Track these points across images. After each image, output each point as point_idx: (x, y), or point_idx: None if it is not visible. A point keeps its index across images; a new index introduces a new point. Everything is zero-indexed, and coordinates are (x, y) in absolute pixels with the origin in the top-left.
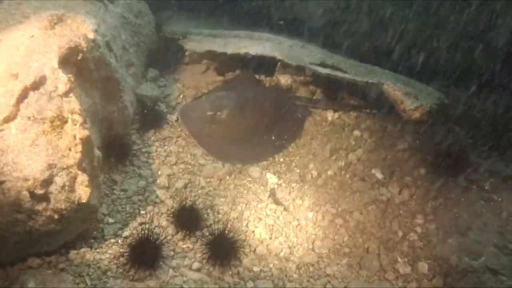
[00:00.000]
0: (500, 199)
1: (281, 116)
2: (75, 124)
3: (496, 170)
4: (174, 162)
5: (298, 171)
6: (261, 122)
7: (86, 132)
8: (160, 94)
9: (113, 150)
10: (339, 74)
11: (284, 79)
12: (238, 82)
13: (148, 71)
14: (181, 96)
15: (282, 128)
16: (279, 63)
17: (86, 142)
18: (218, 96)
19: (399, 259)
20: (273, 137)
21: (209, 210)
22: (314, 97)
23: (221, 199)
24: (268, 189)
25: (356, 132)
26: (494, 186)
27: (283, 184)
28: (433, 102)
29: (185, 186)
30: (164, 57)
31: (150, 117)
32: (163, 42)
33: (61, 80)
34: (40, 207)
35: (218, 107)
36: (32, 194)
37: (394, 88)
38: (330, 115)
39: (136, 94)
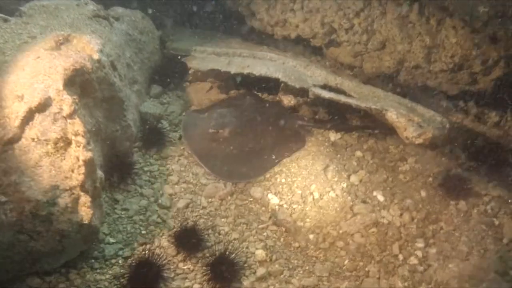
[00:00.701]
0: (501, 224)
1: (283, 135)
2: (78, 146)
3: (496, 195)
4: (176, 181)
5: (300, 192)
6: (263, 140)
7: (89, 154)
8: (163, 112)
9: (115, 169)
10: (342, 98)
11: (287, 100)
12: (241, 99)
13: (151, 88)
14: (183, 114)
15: (283, 147)
16: (282, 84)
17: (89, 164)
18: (220, 114)
19: (399, 284)
20: (274, 156)
21: (210, 231)
22: (317, 117)
23: (222, 220)
24: (270, 210)
25: (358, 153)
26: (495, 211)
27: (285, 205)
28: (436, 127)
29: (187, 206)
30: (168, 74)
31: (153, 135)
32: (167, 58)
33: (66, 102)
34: (42, 228)
35: (220, 124)
36: (34, 215)
37: (398, 115)
38: (332, 135)
39: (139, 112)
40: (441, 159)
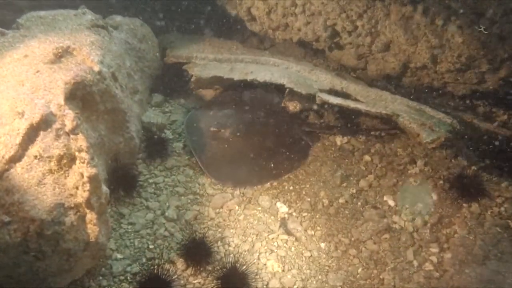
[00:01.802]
0: None
1: (286, 144)
2: (82, 162)
3: (510, 196)
4: (182, 193)
5: (309, 199)
6: (266, 145)
7: (94, 170)
8: (165, 121)
9: (119, 182)
10: (351, 104)
11: (293, 106)
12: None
13: (152, 97)
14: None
15: (287, 152)
16: (287, 90)
17: (93, 180)
18: (225, 114)
19: None
20: (273, 164)
21: (219, 243)
22: (322, 121)
23: (231, 231)
24: (279, 219)
25: (366, 157)
26: (509, 212)
27: (294, 214)
28: (446, 130)
29: (195, 218)
30: (169, 82)
31: (157, 145)
32: (168, 66)
33: (68, 117)
34: (48, 248)
35: (223, 124)
36: (39, 235)
37: (410, 120)
38: (339, 139)
39: (141, 122)
40: (451, 161)
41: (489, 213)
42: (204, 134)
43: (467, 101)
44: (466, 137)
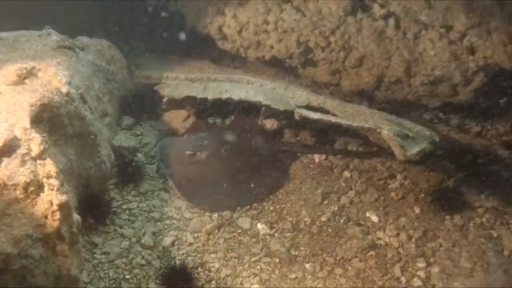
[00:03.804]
0: (499, 236)
1: (266, 160)
2: (51, 189)
3: (490, 206)
4: (158, 218)
5: (291, 219)
6: (244, 166)
7: (64, 197)
8: (137, 144)
9: (91, 210)
10: (332, 119)
11: (270, 124)
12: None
13: (123, 119)
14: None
15: (266, 173)
16: (263, 108)
17: (64, 208)
18: (200, 136)
19: None
20: (253, 184)
21: (200, 268)
22: (298, 138)
23: (212, 255)
24: (261, 241)
25: (346, 173)
26: (491, 223)
27: (276, 234)
28: (428, 142)
29: (172, 244)
30: (139, 103)
31: (129, 169)
32: (137, 88)
33: (34, 141)
34: (13, 284)
35: (198, 147)
36: (4, 271)
37: (393, 132)
38: (317, 157)
39: (112, 146)
40: (430, 173)
41: (472, 224)
42: (179, 159)
43: (441, 114)
44: (443, 149)
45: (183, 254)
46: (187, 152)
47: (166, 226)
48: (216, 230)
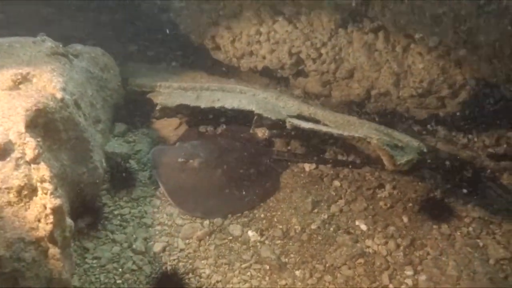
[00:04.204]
0: (485, 245)
1: (256, 171)
2: (45, 193)
3: (476, 216)
4: (150, 224)
5: (281, 227)
6: (235, 174)
7: (58, 201)
8: (129, 151)
9: (83, 215)
10: (323, 128)
11: (261, 132)
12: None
13: (115, 126)
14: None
15: (257, 181)
16: (256, 117)
17: (57, 212)
18: (192, 144)
19: None
20: (245, 192)
21: (190, 274)
22: (289, 148)
23: (203, 261)
24: (251, 248)
25: (336, 182)
26: (477, 232)
27: (266, 242)
28: (416, 152)
29: (163, 250)
30: (132, 111)
31: (121, 176)
32: (130, 95)
33: (29, 145)
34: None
35: (190, 155)
36: None
37: (383, 142)
38: (307, 166)
39: (105, 152)
40: (418, 184)
41: (458, 233)
42: (171, 166)
43: (429, 126)
44: (431, 160)
45: (174, 260)
46: (179, 160)
47: (157, 232)
48: (207, 237)
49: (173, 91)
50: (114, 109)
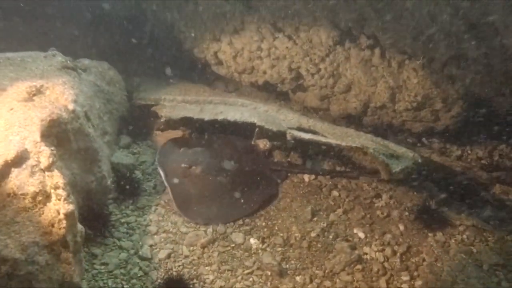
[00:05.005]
0: (478, 252)
1: (256, 181)
2: (58, 199)
3: (470, 224)
4: (155, 232)
5: (282, 234)
6: (236, 182)
7: (71, 207)
8: (135, 162)
9: (91, 222)
10: (322, 139)
11: (263, 144)
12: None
13: (120, 138)
14: (156, 163)
15: (256, 190)
16: (257, 129)
17: (70, 217)
18: (196, 151)
19: None
20: (244, 201)
21: (195, 280)
22: (289, 159)
23: (207, 268)
24: (253, 255)
25: (334, 192)
26: (471, 239)
27: (268, 249)
28: (411, 162)
29: (169, 256)
30: (136, 123)
31: (127, 185)
32: (135, 108)
33: (44, 154)
34: None
35: (194, 161)
36: (11, 276)
37: (379, 151)
38: (306, 176)
39: (111, 163)
40: (414, 193)
41: (453, 240)
42: (175, 169)
43: (423, 138)
44: (425, 170)
45: (179, 266)
46: (183, 165)
47: (162, 240)
48: (211, 244)
49: (177, 104)
50: (120, 122)
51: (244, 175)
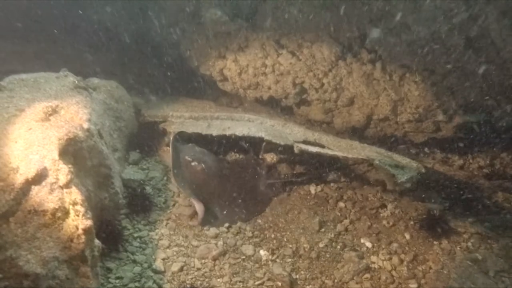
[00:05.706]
0: (484, 259)
1: (257, 189)
2: (77, 215)
3: (475, 231)
4: (167, 245)
5: (291, 246)
6: (230, 191)
7: (89, 222)
8: (145, 177)
9: (105, 237)
10: (329, 152)
11: (270, 158)
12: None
13: (129, 155)
14: (165, 178)
15: (253, 199)
16: (264, 143)
17: (88, 232)
18: (203, 151)
19: None
20: (237, 208)
21: None
22: (294, 172)
23: (219, 280)
24: (263, 266)
25: (341, 204)
26: (476, 246)
27: (278, 260)
28: (416, 172)
29: (181, 269)
30: (145, 140)
31: (138, 201)
32: (143, 125)
33: (62, 171)
34: None
35: (198, 159)
36: None
37: (385, 163)
38: (313, 188)
39: (122, 179)
40: (418, 203)
41: (458, 248)
42: (181, 158)
43: (425, 149)
44: (428, 179)
45: (192, 278)
46: (187, 158)
47: (175, 253)
48: (222, 256)
49: (184, 120)
50: (129, 138)
51: (252, 188)
